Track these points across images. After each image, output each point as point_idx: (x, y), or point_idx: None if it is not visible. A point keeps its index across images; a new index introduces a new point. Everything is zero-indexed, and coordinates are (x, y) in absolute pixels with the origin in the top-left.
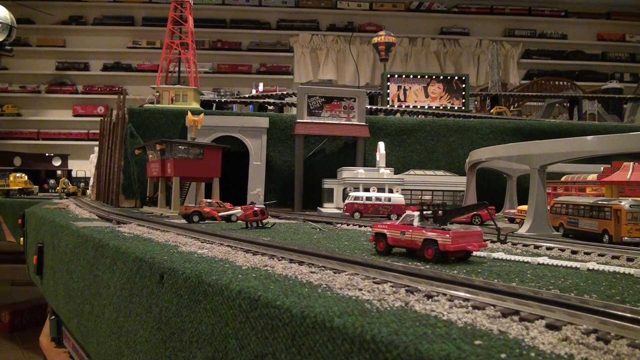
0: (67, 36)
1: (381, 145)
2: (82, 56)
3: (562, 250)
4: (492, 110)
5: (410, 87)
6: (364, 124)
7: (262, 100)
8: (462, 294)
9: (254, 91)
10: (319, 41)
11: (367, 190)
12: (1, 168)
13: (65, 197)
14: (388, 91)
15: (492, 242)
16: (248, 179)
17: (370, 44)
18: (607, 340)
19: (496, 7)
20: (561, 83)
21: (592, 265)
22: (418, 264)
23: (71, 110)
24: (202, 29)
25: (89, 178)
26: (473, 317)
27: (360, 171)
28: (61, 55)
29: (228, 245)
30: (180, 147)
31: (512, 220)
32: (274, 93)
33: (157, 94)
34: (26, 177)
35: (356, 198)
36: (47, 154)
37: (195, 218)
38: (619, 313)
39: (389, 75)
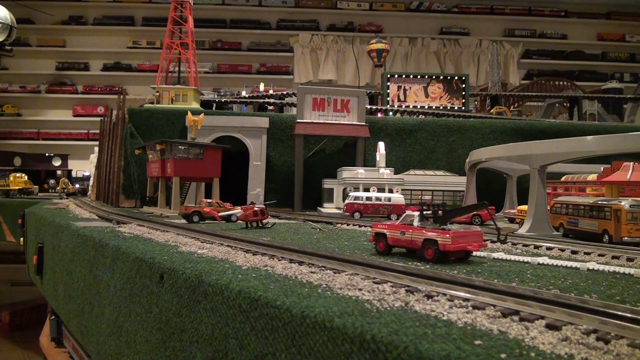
0: (67, 36)
1: (381, 145)
2: (82, 56)
3: (562, 250)
4: (492, 110)
5: (410, 87)
6: (364, 124)
7: (262, 101)
8: (462, 294)
9: (243, 92)
10: (319, 41)
11: (367, 190)
12: (1, 168)
13: (65, 197)
14: (388, 91)
15: (492, 242)
16: (248, 179)
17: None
18: (607, 340)
19: (496, 7)
20: (561, 83)
21: (592, 265)
22: (418, 264)
23: (71, 110)
24: (202, 29)
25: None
26: (473, 317)
27: (360, 171)
28: (61, 55)
29: (228, 245)
30: (180, 147)
31: (512, 220)
32: (272, 93)
33: (157, 94)
34: (26, 177)
35: (356, 198)
36: (47, 154)
37: (195, 218)
38: (619, 313)
39: (389, 75)
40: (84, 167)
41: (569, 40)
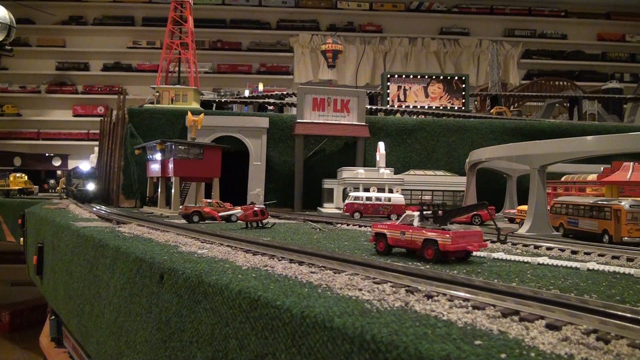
0: (67, 36)
1: (381, 145)
2: (82, 56)
3: (562, 250)
4: (492, 111)
5: (410, 87)
6: (364, 124)
7: (262, 101)
8: (462, 294)
9: (247, 92)
10: (319, 41)
11: (367, 190)
12: (1, 168)
13: (65, 197)
14: (388, 91)
15: (492, 242)
16: (248, 179)
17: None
18: (607, 340)
19: (496, 7)
20: (561, 83)
21: (592, 265)
22: (418, 264)
23: (71, 110)
24: (202, 29)
25: None
26: (473, 317)
27: (360, 171)
28: (61, 55)
29: (228, 245)
30: (180, 147)
31: (512, 220)
32: (273, 93)
33: (157, 94)
34: (26, 177)
35: (356, 198)
36: (47, 154)
37: (195, 218)
38: (619, 313)
39: (389, 75)
40: (84, 167)
41: (569, 40)
